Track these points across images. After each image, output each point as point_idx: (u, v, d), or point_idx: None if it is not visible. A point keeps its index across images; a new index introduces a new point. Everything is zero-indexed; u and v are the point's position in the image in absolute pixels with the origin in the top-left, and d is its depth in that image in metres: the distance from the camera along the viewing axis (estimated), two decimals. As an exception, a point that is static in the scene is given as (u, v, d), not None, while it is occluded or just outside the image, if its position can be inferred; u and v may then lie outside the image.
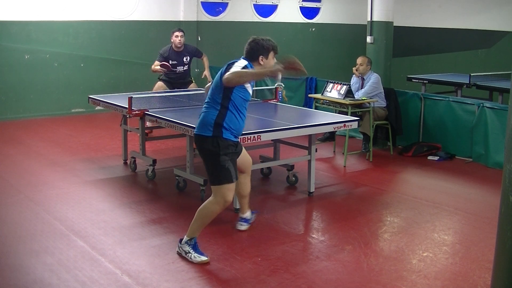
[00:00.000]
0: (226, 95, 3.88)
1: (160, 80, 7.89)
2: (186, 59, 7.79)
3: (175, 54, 7.70)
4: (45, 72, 9.31)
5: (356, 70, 7.36)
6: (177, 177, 5.57)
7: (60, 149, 7.32)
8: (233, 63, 3.95)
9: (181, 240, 4.07)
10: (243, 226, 4.60)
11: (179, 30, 7.68)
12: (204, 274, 3.78)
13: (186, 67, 7.83)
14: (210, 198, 3.99)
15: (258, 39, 4.12)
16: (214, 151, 3.87)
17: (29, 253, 4.07)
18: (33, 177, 6.01)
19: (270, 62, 4.07)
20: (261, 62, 4.04)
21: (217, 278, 3.74)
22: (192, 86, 7.91)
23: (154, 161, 5.93)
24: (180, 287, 3.62)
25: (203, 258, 3.95)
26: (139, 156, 6.16)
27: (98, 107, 7.08)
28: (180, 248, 4.05)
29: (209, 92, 4.02)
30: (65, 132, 8.35)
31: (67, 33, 9.47)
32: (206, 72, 7.94)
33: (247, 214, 4.64)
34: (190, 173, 5.40)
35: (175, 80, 7.80)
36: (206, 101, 4.01)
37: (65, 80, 9.49)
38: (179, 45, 7.61)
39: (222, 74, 3.86)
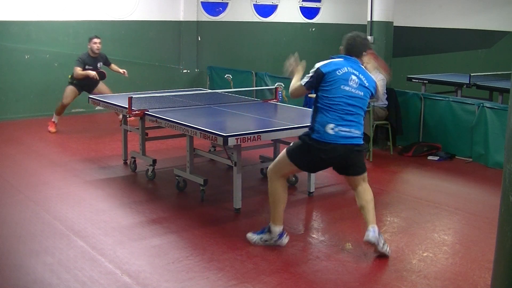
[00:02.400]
0: None
1: (73, 84, 8.21)
2: (100, 65, 8.23)
3: (91, 60, 8.12)
4: (45, 72, 9.32)
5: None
6: (177, 177, 5.57)
7: (60, 149, 7.32)
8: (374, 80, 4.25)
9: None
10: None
11: (97, 37, 8.14)
12: (204, 274, 3.78)
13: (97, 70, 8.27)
14: (365, 183, 4.27)
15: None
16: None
17: (29, 253, 4.07)
18: (33, 177, 6.01)
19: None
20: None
21: (217, 278, 3.75)
22: (101, 86, 8.35)
23: (154, 161, 5.93)
24: (180, 287, 3.62)
25: None
26: (139, 156, 6.16)
27: (98, 107, 7.09)
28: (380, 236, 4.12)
29: (357, 107, 4.08)
30: (65, 132, 8.34)
31: (67, 33, 9.47)
32: (121, 70, 8.46)
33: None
34: (190, 173, 5.40)
35: (86, 83, 8.18)
36: (357, 115, 4.08)
37: (65, 80, 9.45)
38: (97, 51, 8.08)
39: (374, 89, 4.20)
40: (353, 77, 4.06)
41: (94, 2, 9.67)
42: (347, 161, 4.13)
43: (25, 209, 5.01)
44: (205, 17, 11.21)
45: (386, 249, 4.09)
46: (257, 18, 12.03)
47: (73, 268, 3.84)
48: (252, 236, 4.30)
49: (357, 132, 4.10)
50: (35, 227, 4.58)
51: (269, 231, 4.24)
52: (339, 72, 4.03)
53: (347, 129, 4.03)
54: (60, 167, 6.41)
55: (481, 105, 6.90)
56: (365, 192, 4.23)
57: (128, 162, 6.42)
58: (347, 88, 4.03)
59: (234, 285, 3.65)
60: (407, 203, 5.40)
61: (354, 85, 4.06)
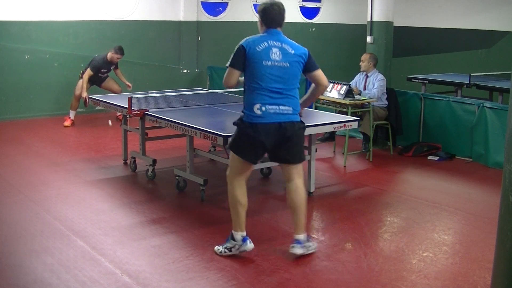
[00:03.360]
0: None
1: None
2: (113, 67, 9.00)
3: (107, 65, 8.82)
4: (45, 72, 9.31)
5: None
6: (177, 177, 5.57)
7: (60, 149, 7.32)
8: (311, 57, 4.10)
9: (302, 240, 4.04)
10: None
11: (123, 53, 8.81)
12: (204, 274, 3.78)
13: (110, 72, 9.06)
14: (300, 180, 4.03)
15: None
16: (304, 129, 4.10)
17: (29, 253, 4.07)
18: (33, 177, 6.01)
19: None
20: None
21: (217, 278, 3.74)
22: (110, 81, 9.08)
23: (154, 161, 5.93)
24: (180, 287, 3.62)
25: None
26: (139, 156, 6.16)
27: (98, 107, 7.09)
28: (307, 247, 4.06)
29: (285, 80, 3.92)
30: (65, 132, 8.35)
31: (67, 33, 9.47)
32: (127, 82, 9.02)
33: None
34: (190, 173, 5.40)
35: (99, 80, 8.96)
36: (285, 89, 3.91)
37: (65, 80, 9.48)
38: (114, 62, 8.89)
39: (306, 55, 4.04)
40: (274, 49, 3.92)
41: (94, 2, 9.66)
42: (283, 140, 3.91)
43: (25, 209, 5.01)
44: (205, 17, 11.21)
45: (313, 248, 4.12)
46: (257, 18, 11.99)
47: (73, 268, 3.84)
48: (217, 248, 4.09)
49: (287, 108, 3.91)
50: (35, 227, 4.58)
51: (232, 238, 4.03)
52: (258, 48, 3.91)
53: (275, 106, 3.87)
54: (60, 167, 6.41)
55: (481, 105, 6.90)
56: (296, 192, 4.00)
57: (128, 162, 6.42)
58: (269, 63, 3.87)
59: (234, 285, 3.65)
60: (407, 203, 5.40)
61: (277, 58, 3.91)
